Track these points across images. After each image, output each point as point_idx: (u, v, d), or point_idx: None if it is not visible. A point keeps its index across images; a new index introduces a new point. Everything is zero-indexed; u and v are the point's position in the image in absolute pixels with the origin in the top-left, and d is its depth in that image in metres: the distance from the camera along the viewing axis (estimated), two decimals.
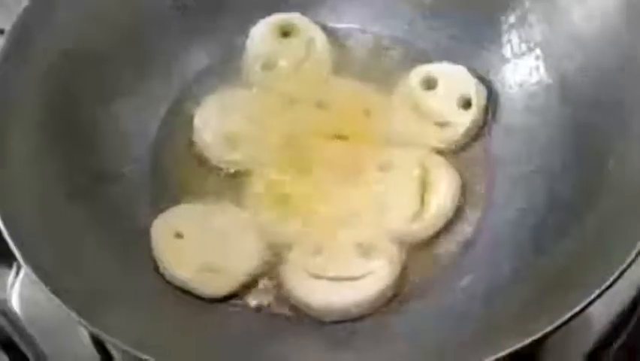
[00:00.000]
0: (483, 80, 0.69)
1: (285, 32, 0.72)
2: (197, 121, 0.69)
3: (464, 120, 0.68)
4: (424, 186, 0.65)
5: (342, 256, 0.63)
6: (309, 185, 0.66)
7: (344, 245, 0.63)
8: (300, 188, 0.66)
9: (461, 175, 0.66)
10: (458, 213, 0.65)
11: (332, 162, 0.67)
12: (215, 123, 0.69)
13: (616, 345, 0.66)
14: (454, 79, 0.69)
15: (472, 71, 0.69)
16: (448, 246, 0.64)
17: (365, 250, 0.63)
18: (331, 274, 0.62)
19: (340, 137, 0.68)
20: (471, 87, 0.68)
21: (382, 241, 0.63)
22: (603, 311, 0.65)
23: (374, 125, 0.69)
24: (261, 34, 0.72)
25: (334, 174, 0.67)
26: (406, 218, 0.64)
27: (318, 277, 0.62)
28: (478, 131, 0.68)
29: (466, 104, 0.68)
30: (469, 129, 0.68)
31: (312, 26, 0.72)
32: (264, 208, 0.66)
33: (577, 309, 0.52)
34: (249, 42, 0.72)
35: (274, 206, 0.65)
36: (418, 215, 0.64)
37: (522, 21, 0.69)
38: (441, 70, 0.70)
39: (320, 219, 0.65)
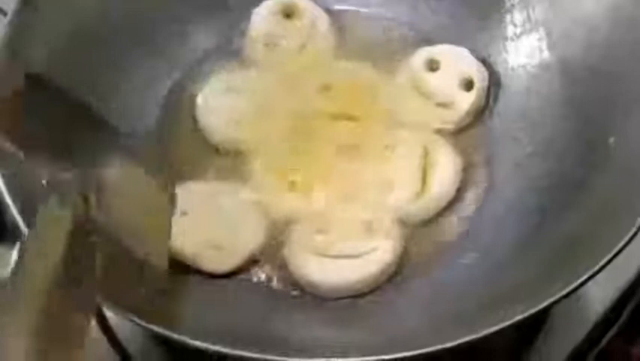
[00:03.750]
0: (485, 61, 0.70)
1: (288, 14, 0.72)
2: (200, 101, 0.69)
3: (466, 101, 0.68)
4: (425, 167, 0.65)
5: (346, 234, 0.63)
6: (312, 164, 0.66)
7: (347, 223, 0.63)
8: (303, 167, 0.66)
9: (463, 156, 0.67)
10: (460, 193, 0.65)
11: (335, 142, 0.67)
12: (219, 103, 0.69)
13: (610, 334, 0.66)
14: (456, 60, 0.69)
15: (475, 52, 0.69)
16: (450, 225, 0.64)
17: (368, 229, 0.63)
18: (334, 251, 0.62)
19: (343, 117, 0.68)
20: (473, 68, 0.69)
21: (385, 220, 0.64)
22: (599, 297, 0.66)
23: (377, 107, 0.69)
24: (263, 14, 0.72)
25: (337, 154, 0.67)
26: (407, 198, 0.65)
27: (321, 254, 0.62)
28: (480, 112, 0.69)
29: (468, 85, 0.68)
30: (470, 110, 0.68)
31: (315, 8, 0.72)
32: (268, 187, 0.66)
33: (576, 283, 0.53)
34: (251, 21, 0.72)
35: (278, 184, 0.66)
36: (419, 195, 0.65)
37: (525, 1, 0.69)
38: (443, 51, 0.70)
39: (323, 197, 0.65)
